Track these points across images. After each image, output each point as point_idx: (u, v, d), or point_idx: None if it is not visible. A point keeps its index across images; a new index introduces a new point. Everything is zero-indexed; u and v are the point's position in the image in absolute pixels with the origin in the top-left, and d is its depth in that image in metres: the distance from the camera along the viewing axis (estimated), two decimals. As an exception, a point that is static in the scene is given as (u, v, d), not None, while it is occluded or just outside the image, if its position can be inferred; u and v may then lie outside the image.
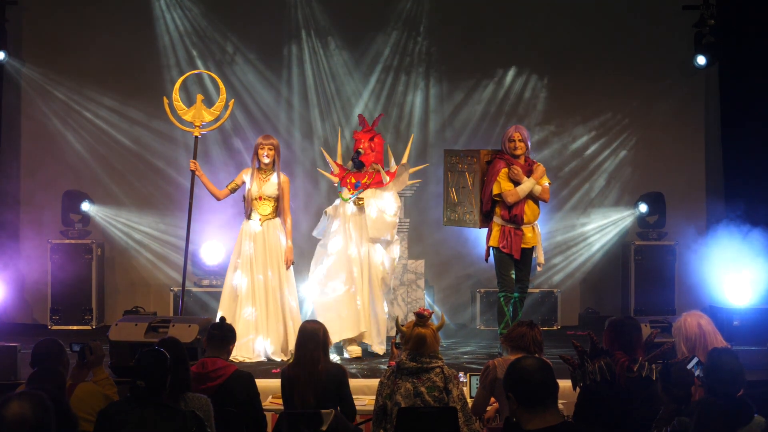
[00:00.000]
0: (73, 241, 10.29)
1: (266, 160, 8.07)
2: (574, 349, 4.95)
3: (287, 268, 8.07)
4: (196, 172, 8.16)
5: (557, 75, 10.97)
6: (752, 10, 10.26)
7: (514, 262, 7.89)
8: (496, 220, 7.92)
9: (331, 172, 8.62)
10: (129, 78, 10.79)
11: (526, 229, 7.89)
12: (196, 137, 8.24)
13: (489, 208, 7.93)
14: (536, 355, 4.76)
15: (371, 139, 8.36)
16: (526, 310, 9.78)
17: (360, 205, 8.24)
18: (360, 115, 8.79)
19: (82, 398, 4.72)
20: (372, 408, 5.31)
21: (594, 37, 10.90)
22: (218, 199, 8.36)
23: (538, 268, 8.10)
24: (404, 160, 8.65)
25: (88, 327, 10.13)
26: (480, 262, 10.76)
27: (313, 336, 5.43)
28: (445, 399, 5.03)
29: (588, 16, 10.90)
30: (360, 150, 8.28)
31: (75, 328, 10.04)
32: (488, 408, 5.46)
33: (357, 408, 5.70)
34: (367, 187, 8.30)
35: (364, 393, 6.37)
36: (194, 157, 8.18)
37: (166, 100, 8.29)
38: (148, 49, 10.85)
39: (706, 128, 11.01)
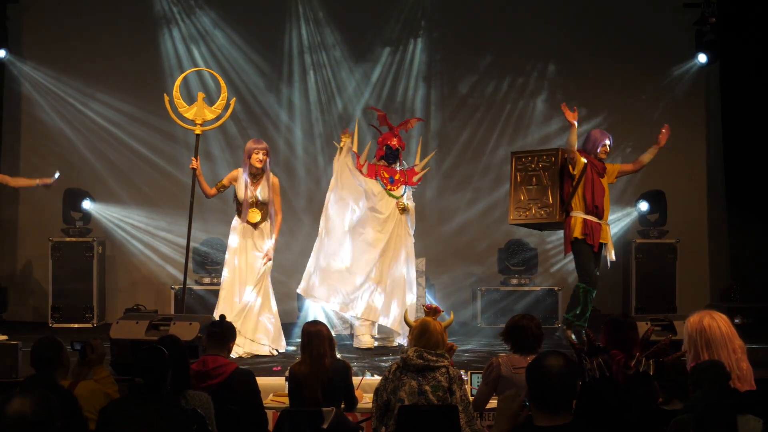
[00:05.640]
0: (74, 239, 10.30)
1: (259, 165, 8.08)
2: (571, 347, 4.95)
3: (265, 264, 8.11)
4: (197, 170, 8.15)
5: (558, 74, 10.99)
6: (753, 8, 10.27)
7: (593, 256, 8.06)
8: (577, 213, 8.01)
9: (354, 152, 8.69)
10: (130, 75, 10.81)
11: (603, 225, 8.06)
12: (197, 135, 8.23)
13: (569, 201, 8.08)
14: (567, 355, 4.71)
15: (397, 135, 8.59)
16: (527, 308, 9.81)
17: (402, 209, 8.50)
18: (378, 111, 8.82)
19: (84, 396, 4.70)
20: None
21: (595, 36, 10.91)
22: (207, 197, 8.36)
23: (608, 265, 8.19)
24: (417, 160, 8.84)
25: (89, 325, 10.14)
26: (482, 261, 10.81)
27: (317, 334, 5.45)
28: (449, 399, 5.03)
29: (588, 14, 10.91)
30: (390, 146, 8.48)
31: (76, 326, 10.04)
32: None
33: (360, 406, 5.76)
34: (401, 183, 8.54)
35: (365, 391, 6.36)
36: (195, 155, 8.17)
37: (166, 98, 8.27)
38: (149, 46, 10.86)
39: (707, 126, 11.02)
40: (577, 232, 7.97)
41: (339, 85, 10.96)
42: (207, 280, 10.30)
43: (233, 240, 8.16)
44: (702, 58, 10.64)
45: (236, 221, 8.19)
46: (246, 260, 8.11)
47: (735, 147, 10.60)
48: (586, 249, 7.96)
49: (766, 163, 10.31)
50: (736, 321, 9.17)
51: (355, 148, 8.64)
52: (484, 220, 10.98)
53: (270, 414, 5.65)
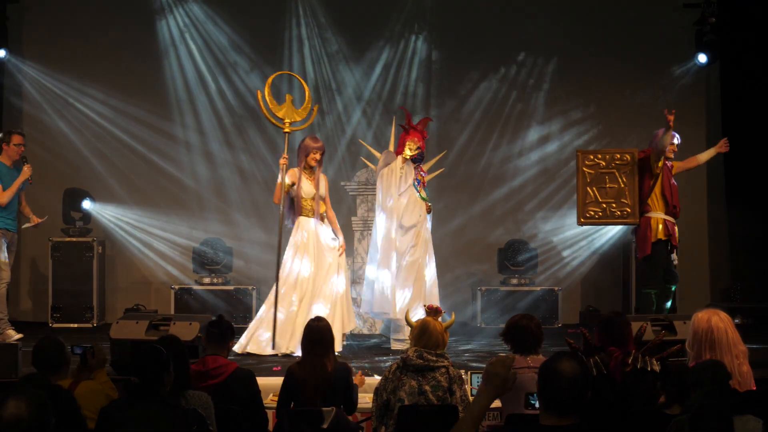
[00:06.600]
0: (74, 239, 10.30)
1: (314, 164, 8.19)
2: (568, 346, 4.94)
3: (340, 255, 8.26)
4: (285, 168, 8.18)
5: (558, 73, 10.98)
6: (753, 8, 10.26)
7: None
8: (656, 213, 8.06)
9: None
10: (130, 75, 10.82)
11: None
12: (287, 133, 8.23)
13: (646, 201, 8.16)
14: (582, 359, 4.70)
15: (425, 137, 8.58)
16: (527, 308, 9.81)
17: (429, 210, 8.55)
18: (404, 109, 8.83)
19: (85, 396, 4.70)
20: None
21: (595, 35, 10.91)
22: (276, 201, 8.24)
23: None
24: (390, 147, 8.74)
25: (89, 325, 10.13)
26: (482, 261, 10.79)
27: (321, 338, 5.39)
28: (449, 399, 5.03)
29: (588, 14, 10.91)
30: (420, 147, 8.45)
31: (76, 326, 10.03)
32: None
33: (360, 406, 5.71)
34: (422, 185, 8.52)
35: (365, 391, 6.35)
36: (286, 153, 8.15)
37: (259, 94, 8.25)
38: (149, 47, 10.86)
39: (707, 126, 11.01)
40: (661, 234, 8.03)
41: (339, 84, 10.96)
42: (207, 280, 10.30)
43: (304, 236, 8.14)
44: (702, 58, 10.63)
45: (304, 222, 8.17)
46: (320, 253, 8.14)
47: (735, 147, 10.58)
48: (665, 252, 8.04)
49: (766, 163, 10.30)
50: (736, 321, 9.15)
51: (391, 149, 8.67)
52: (484, 220, 10.97)
53: (270, 414, 5.64)
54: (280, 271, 8.14)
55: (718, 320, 4.97)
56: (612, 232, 10.85)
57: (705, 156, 8.52)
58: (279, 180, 8.16)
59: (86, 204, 10.45)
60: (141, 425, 4.07)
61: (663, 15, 10.91)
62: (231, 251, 10.53)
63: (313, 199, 8.17)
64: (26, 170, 8.46)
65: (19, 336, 8.30)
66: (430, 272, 8.64)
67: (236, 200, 10.88)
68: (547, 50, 10.92)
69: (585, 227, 10.85)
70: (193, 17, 10.90)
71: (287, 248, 8.21)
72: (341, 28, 10.93)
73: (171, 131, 10.80)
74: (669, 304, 8.21)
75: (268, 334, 8.01)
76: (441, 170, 9.14)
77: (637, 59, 10.86)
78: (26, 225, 8.86)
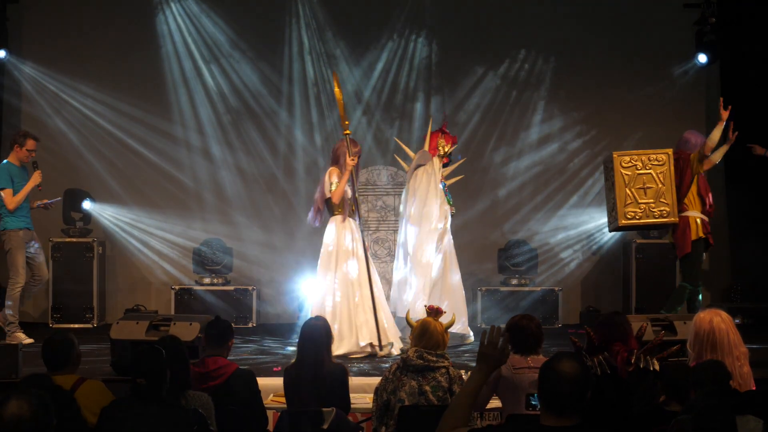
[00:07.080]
0: (74, 240, 10.30)
1: (351, 168, 8.20)
2: (572, 345, 4.93)
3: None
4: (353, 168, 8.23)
5: (558, 73, 10.98)
6: (753, 8, 10.26)
7: None
8: (694, 213, 8.21)
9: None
10: (130, 75, 10.81)
11: None
12: (347, 134, 8.20)
13: (682, 200, 8.28)
14: (583, 360, 4.68)
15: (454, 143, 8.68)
16: (528, 308, 9.81)
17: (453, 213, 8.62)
18: (445, 114, 8.89)
19: (88, 394, 4.71)
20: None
21: (595, 35, 10.91)
22: (336, 200, 8.16)
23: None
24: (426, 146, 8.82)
25: (89, 325, 10.13)
26: (482, 261, 10.79)
27: (317, 337, 5.37)
28: (449, 400, 5.02)
29: (588, 14, 10.91)
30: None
31: (76, 326, 10.01)
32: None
33: (360, 406, 5.72)
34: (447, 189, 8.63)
35: (365, 391, 6.36)
36: (350, 154, 8.09)
37: (339, 93, 8.26)
38: (149, 47, 10.86)
39: (707, 126, 10.99)
40: (701, 232, 8.20)
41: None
42: (207, 280, 10.31)
43: (346, 237, 8.16)
44: (702, 58, 10.64)
45: (348, 222, 8.19)
46: (360, 252, 8.17)
47: (735, 147, 10.57)
48: (702, 250, 8.22)
49: (765, 163, 10.29)
50: (737, 321, 9.13)
51: (426, 147, 8.69)
52: (484, 220, 10.97)
53: (270, 414, 5.64)
54: (335, 274, 8.14)
55: (720, 321, 4.96)
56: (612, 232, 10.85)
57: (718, 156, 8.60)
58: (345, 179, 8.09)
59: (86, 204, 10.45)
60: (142, 425, 4.07)
61: (663, 15, 10.91)
62: (231, 251, 10.53)
63: (349, 200, 8.21)
64: (36, 176, 8.48)
65: (29, 341, 8.30)
66: (452, 276, 8.60)
67: (236, 200, 10.88)
68: (547, 50, 10.92)
69: (584, 227, 10.90)
70: (192, 16, 10.90)
71: (335, 249, 8.16)
72: (341, 28, 10.92)
73: (171, 131, 10.79)
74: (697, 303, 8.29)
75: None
76: (461, 177, 9.11)
77: (638, 59, 10.86)
78: (38, 204, 8.74)
